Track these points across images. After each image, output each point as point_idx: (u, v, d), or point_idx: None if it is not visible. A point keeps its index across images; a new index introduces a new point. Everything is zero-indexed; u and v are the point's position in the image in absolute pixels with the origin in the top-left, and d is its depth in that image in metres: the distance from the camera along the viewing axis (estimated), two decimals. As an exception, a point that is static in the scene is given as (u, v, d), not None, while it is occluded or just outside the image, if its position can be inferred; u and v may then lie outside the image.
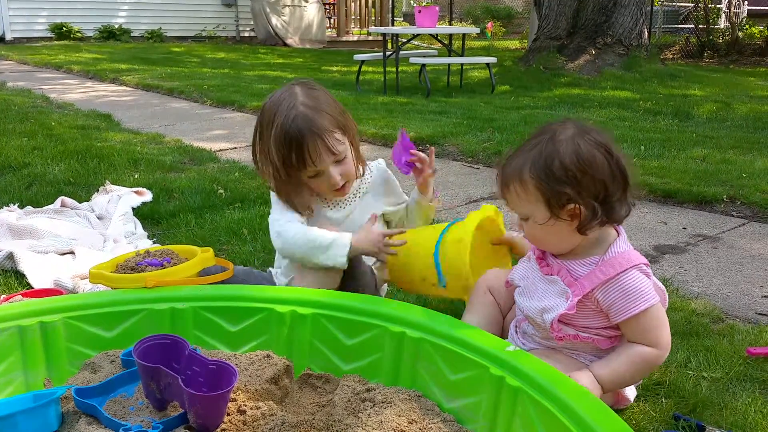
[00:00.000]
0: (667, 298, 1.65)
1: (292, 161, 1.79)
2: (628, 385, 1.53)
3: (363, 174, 2.02)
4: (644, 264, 1.50)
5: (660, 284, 1.62)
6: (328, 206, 1.99)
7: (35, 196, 3.32)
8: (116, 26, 14.98)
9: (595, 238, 1.53)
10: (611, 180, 1.45)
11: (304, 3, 16.16)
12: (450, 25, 11.56)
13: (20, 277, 2.39)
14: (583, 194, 1.44)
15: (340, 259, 1.81)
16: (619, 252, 1.50)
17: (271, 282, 2.06)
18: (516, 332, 1.72)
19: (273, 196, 1.97)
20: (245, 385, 1.47)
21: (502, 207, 1.82)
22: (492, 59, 8.07)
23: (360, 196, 2.03)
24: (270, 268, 2.18)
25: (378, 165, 2.09)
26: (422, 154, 1.99)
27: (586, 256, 1.53)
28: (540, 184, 1.45)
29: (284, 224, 1.88)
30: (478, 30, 9.92)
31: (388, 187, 2.08)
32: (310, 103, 1.81)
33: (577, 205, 1.44)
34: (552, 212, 1.46)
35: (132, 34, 15.02)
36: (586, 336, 1.54)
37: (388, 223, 2.13)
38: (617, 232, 1.55)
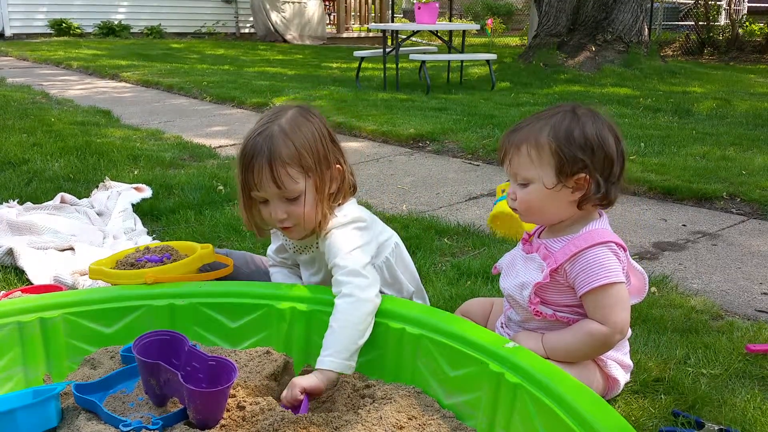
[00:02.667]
0: (647, 284, 1.68)
1: (243, 176, 1.69)
2: (576, 358, 1.56)
3: (324, 226, 1.73)
4: (615, 243, 1.54)
5: (639, 267, 1.67)
6: (293, 250, 1.88)
7: (35, 192, 3.31)
8: (116, 22, 14.99)
9: (578, 218, 1.59)
10: (617, 162, 1.54)
11: (303, -1, 16.15)
12: (450, 21, 11.53)
13: (20, 273, 2.39)
14: (594, 167, 1.51)
15: None
16: (593, 229, 1.56)
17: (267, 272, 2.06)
18: (501, 328, 1.75)
19: None
20: (245, 381, 1.47)
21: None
22: (492, 56, 8.06)
23: (323, 240, 1.77)
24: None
25: (339, 220, 1.74)
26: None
27: (565, 234, 1.59)
28: (559, 148, 1.51)
29: (272, 273, 1.98)
30: (478, 26, 9.86)
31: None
32: (285, 128, 1.66)
33: (586, 176, 1.51)
34: (560, 178, 1.52)
35: (131, 30, 15.03)
36: (563, 316, 1.58)
37: None
38: (599, 215, 1.61)
